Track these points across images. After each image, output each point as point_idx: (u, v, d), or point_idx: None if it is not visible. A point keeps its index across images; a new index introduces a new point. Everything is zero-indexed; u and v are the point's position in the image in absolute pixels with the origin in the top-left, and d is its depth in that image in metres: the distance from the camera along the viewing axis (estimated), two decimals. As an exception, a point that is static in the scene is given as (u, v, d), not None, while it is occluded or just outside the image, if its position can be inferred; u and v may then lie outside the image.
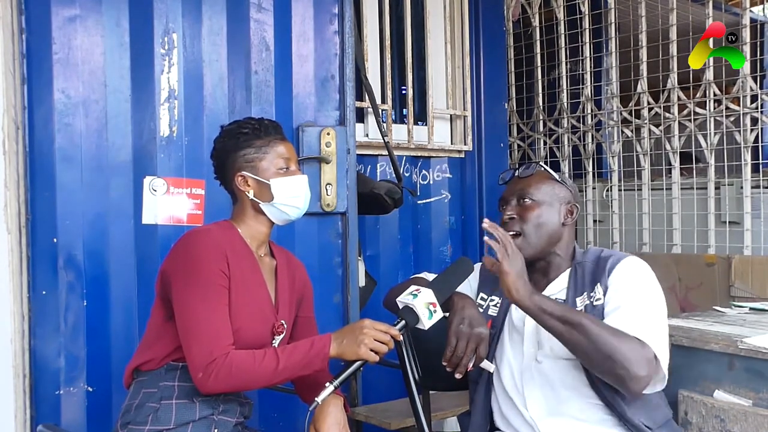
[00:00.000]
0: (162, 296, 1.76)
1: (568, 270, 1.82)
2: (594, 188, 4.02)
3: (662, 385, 1.66)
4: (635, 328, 1.61)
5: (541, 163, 1.90)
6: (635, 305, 1.67)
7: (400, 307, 1.67)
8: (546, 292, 1.80)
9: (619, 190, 3.90)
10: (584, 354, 1.60)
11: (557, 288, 1.80)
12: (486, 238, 1.64)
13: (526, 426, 1.77)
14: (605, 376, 1.61)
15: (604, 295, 1.71)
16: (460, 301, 1.77)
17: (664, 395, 1.79)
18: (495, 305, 1.89)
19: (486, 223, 1.65)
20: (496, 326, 1.86)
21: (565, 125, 4.11)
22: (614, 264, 1.74)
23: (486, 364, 1.78)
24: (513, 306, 1.85)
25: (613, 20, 3.89)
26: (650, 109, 3.70)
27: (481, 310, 1.88)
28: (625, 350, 1.56)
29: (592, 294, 1.74)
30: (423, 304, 1.64)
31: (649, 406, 1.71)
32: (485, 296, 1.92)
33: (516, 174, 1.87)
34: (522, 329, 1.82)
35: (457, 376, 1.73)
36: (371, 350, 1.63)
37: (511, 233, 1.76)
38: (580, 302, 1.74)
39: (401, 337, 1.68)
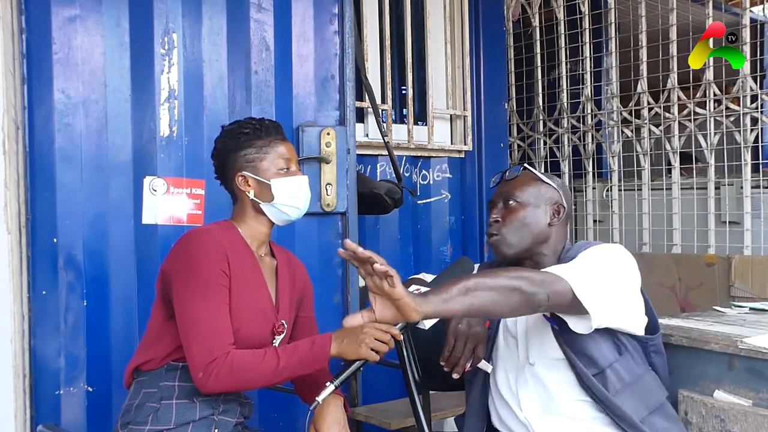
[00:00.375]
0: (162, 296, 1.77)
1: None
2: (594, 188, 4.02)
3: (587, 328, 1.62)
4: (558, 270, 1.60)
5: (526, 164, 1.91)
6: (576, 261, 1.67)
7: (401, 307, 1.67)
8: None
9: (619, 190, 3.90)
10: (498, 304, 1.50)
11: None
12: (368, 278, 1.39)
13: (520, 426, 1.78)
14: (525, 309, 1.56)
15: None
16: (460, 302, 1.77)
17: (658, 377, 1.79)
18: None
19: (346, 250, 1.37)
20: (492, 328, 1.87)
21: (565, 125, 4.11)
22: (584, 250, 1.75)
23: (484, 365, 1.78)
24: None
25: (613, 20, 3.89)
26: (650, 109, 3.70)
27: None
28: (527, 275, 1.54)
29: None
30: (423, 304, 1.64)
31: (641, 391, 1.71)
32: None
33: (503, 177, 1.89)
34: (516, 332, 1.82)
35: (455, 376, 1.74)
36: (372, 350, 1.63)
37: (494, 235, 1.80)
38: None
39: (401, 337, 1.68)
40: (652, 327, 1.76)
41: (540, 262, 1.83)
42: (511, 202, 1.82)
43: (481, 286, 1.48)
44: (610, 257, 1.72)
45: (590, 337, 1.67)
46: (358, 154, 2.85)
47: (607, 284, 1.65)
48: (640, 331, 1.73)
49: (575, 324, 1.64)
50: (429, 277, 1.91)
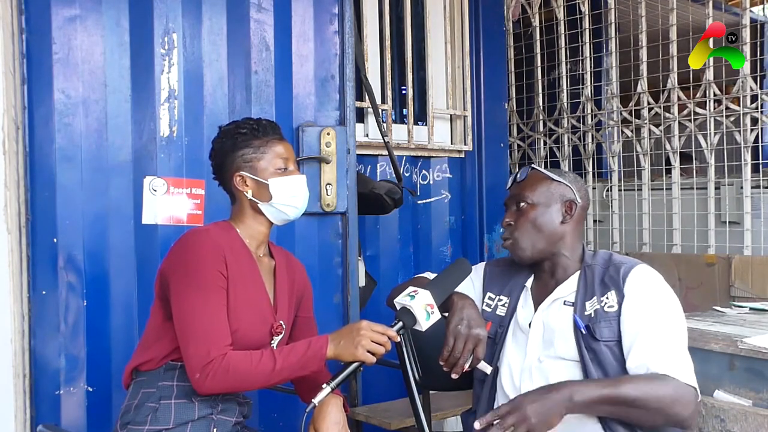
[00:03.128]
0: (161, 296, 1.76)
1: (578, 272, 1.82)
2: (594, 188, 4.02)
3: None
4: (669, 364, 1.62)
5: (534, 165, 1.91)
6: (661, 333, 1.67)
7: (398, 308, 1.67)
8: (555, 294, 1.81)
9: (619, 190, 3.90)
10: (637, 419, 1.60)
11: (567, 290, 1.80)
12: None
13: None
14: (659, 427, 1.62)
15: (619, 304, 1.71)
16: (460, 301, 1.77)
17: None
18: (503, 305, 1.89)
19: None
20: (504, 326, 1.87)
21: (565, 125, 4.11)
22: (627, 272, 1.74)
23: (483, 366, 1.77)
24: (519, 305, 1.86)
25: (613, 20, 3.89)
26: (650, 109, 3.70)
27: (489, 310, 1.89)
28: (669, 402, 1.57)
29: (603, 299, 1.74)
30: (420, 306, 1.64)
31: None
32: (493, 296, 1.92)
33: (515, 179, 1.90)
34: (527, 330, 1.82)
35: (454, 376, 1.74)
36: (368, 352, 1.62)
37: (507, 239, 1.83)
38: (590, 306, 1.74)
39: (399, 339, 1.68)
40: None
41: (559, 263, 1.83)
42: (522, 204, 1.83)
43: (628, 401, 1.57)
44: (674, 306, 1.72)
45: (614, 356, 1.68)
46: (358, 154, 2.86)
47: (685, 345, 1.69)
48: None
49: None
50: (432, 277, 1.91)
